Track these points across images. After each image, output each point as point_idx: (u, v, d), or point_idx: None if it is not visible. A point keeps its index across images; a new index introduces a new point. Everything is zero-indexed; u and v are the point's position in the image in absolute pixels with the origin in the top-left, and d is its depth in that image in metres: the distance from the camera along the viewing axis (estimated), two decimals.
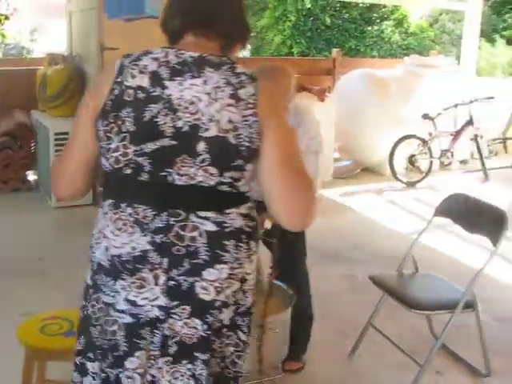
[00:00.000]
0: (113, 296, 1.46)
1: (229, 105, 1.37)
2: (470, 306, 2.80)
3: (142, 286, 1.41)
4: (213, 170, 1.37)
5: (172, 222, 1.39)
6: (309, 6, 15.08)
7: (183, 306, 1.41)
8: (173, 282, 1.40)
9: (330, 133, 6.40)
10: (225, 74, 1.41)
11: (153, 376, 1.46)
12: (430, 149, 6.76)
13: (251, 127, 1.38)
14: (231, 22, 1.53)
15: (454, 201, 3.07)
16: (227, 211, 1.42)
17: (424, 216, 4.25)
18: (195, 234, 1.39)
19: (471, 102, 6.91)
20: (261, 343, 2.49)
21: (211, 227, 1.40)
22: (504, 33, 14.33)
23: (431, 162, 6.78)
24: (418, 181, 6.73)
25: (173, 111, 1.39)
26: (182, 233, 1.39)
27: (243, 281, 1.47)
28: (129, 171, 1.42)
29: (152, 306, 1.42)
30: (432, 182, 6.73)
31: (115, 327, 1.46)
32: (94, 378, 1.52)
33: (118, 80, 1.44)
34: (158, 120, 1.39)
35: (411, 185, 6.68)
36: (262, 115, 1.39)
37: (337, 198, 6.07)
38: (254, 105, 1.38)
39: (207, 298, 1.41)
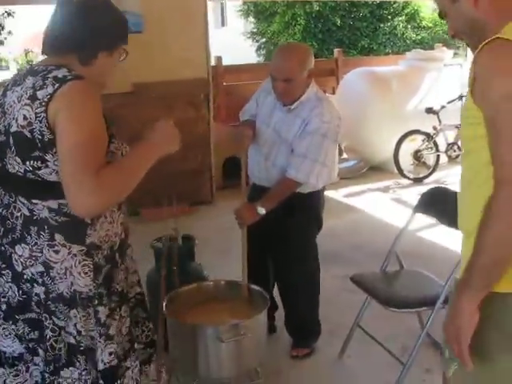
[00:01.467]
0: None
1: (26, 104, 1.66)
2: None
3: None
4: (18, 160, 1.69)
5: (10, 202, 1.76)
6: (317, 8, 15.03)
7: (7, 270, 1.78)
8: (2, 248, 1.78)
9: None
10: (36, 79, 1.69)
11: None
12: (435, 143, 6.66)
13: (41, 122, 1.64)
14: (73, 36, 1.74)
15: (433, 196, 3.03)
16: (34, 201, 1.72)
17: None
18: (18, 214, 1.75)
19: None
20: None
21: (26, 212, 1.74)
22: None
23: (438, 157, 6.68)
24: (426, 176, 6.63)
25: (3, 114, 1.74)
26: (14, 211, 1.76)
27: (47, 267, 1.73)
28: None
29: None
30: (440, 177, 6.62)
31: None
32: None
33: None
34: None
35: (418, 181, 6.57)
36: (54, 112, 1.62)
37: (341, 198, 6.02)
38: (46, 103, 1.63)
39: (18, 268, 1.75)
